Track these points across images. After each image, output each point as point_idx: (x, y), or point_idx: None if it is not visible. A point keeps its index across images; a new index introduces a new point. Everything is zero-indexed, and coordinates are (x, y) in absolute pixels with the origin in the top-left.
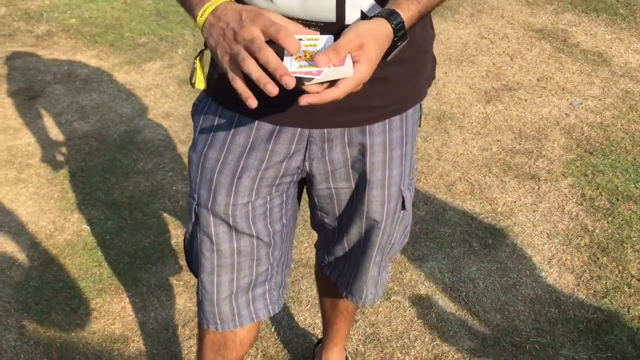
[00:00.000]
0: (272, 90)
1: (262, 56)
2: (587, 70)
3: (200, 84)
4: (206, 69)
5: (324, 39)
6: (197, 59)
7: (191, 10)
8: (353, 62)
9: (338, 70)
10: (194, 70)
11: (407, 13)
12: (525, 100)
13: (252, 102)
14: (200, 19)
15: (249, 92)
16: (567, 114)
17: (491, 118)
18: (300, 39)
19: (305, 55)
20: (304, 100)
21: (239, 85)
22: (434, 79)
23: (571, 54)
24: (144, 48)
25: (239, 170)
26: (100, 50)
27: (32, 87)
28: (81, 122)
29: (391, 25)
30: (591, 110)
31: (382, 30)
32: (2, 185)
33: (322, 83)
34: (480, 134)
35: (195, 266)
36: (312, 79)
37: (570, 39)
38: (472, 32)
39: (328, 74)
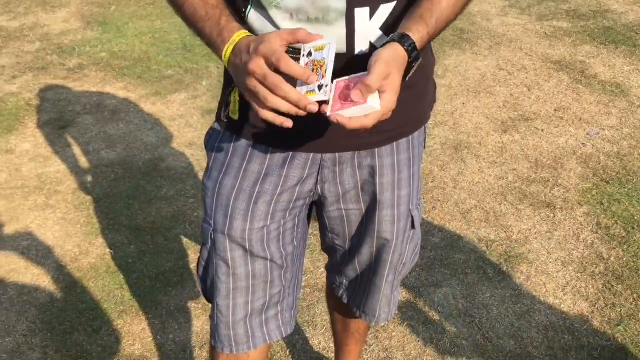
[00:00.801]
0: (289, 125)
1: (280, 93)
2: (605, 101)
3: (235, 115)
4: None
5: (328, 46)
6: (233, 93)
7: (216, 52)
8: (380, 93)
9: (364, 107)
10: (228, 103)
11: (417, 35)
12: (542, 130)
13: (288, 123)
14: (225, 59)
15: (280, 116)
16: (583, 143)
17: (508, 147)
18: (307, 51)
19: (314, 67)
20: (334, 116)
21: (269, 115)
22: (435, 102)
23: (589, 85)
24: (170, 80)
25: (254, 196)
26: (128, 82)
27: (63, 117)
28: (108, 151)
29: (404, 48)
30: (608, 140)
31: (400, 55)
32: (31, 211)
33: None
34: (496, 163)
35: (209, 292)
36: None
37: (588, 70)
38: (490, 64)
39: (355, 112)
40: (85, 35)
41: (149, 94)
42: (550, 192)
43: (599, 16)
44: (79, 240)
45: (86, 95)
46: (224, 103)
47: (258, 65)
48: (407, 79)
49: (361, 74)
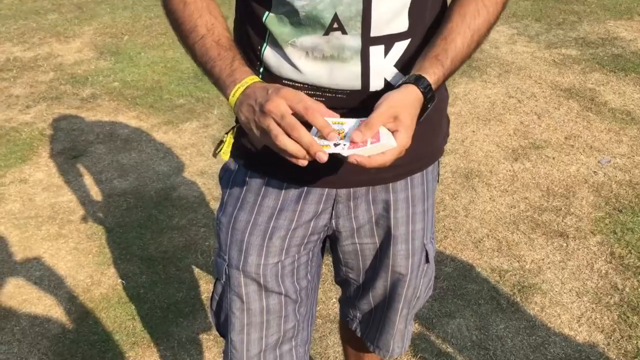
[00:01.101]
0: (304, 163)
1: (295, 134)
2: (616, 128)
3: (225, 155)
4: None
5: (351, 122)
6: (229, 133)
7: (223, 90)
8: (392, 132)
9: (377, 146)
10: (222, 142)
11: (433, 77)
12: (553, 158)
13: (303, 162)
14: (232, 99)
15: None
16: (595, 172)
17: (519, 176)
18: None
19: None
20: (353, 158)
21: (287, 142)
22: (448, 136)
23: (599, 113)
24: (182, 109)
25: (269, 231)
26: (140, 111)
27: (76, 146)
28: (120, 180)
29: (420, 89)
30: (620, 168)
31: (413, 96)
32: (44, 241)
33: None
34: (507, 191)
35: (223, 327)
36: (345, 155)
37: (598, 97)
38: (499, 92)
39: (370, 150)
40: (98, 65)
41: (161, 122)
42: (562, 221)
43: (607, 44)
44: (91, 271)
45: (99, 125)
46: (218, 140)
47: (277, 105)
48: (421, 119)
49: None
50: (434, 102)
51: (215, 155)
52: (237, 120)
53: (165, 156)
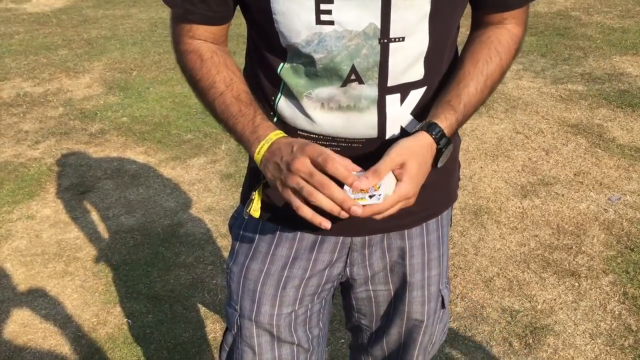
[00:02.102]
0: (327, 226)
1: (327, 191)
2: (625, 165)
3: (256, 213)
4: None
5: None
6: (257, 191)
7: (248, 148)
8: (397, 180)
9: (377, 196)
10: (251, 200)
11: (445, 122)
12: (563, 195)
13: (327, 224)
14: (258, 156)
15: (319, 216)
16: (605, 209)
17: (528, 213)
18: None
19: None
20: (352, 211)
21: (308, 212)
22: (459, 180)
23: (608, 149)
24: (189, 144)
25: (283, 280)
26: (148, 146)
27: (84, 182)
28: (127, 216)
29: (431, 136)
30: (630, 205)
31: (423, 143)
32: (50, 278)
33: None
34: (517, 229)
35: None
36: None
37: (606, 134)
38: (507, 127)
39: (369, 200)
40: (107, 100)
41: (169, 158)
42: (574, 260)
43: (613, 79)
44: (97, 309)
45: (107, 160)
46: (247, 199)
47: (303, 163)
48: (438, 164)
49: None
50: (449, 147)
51: (245, 215)
52: (262, 177)
53: (173, 192)
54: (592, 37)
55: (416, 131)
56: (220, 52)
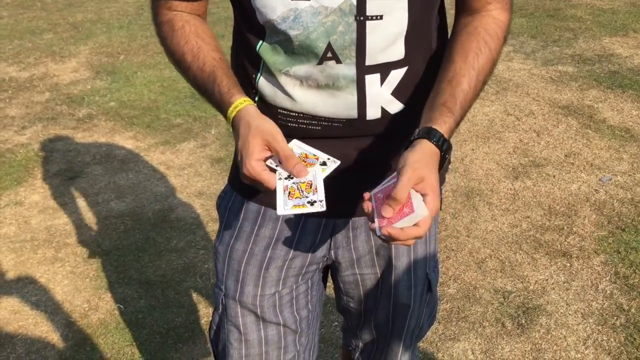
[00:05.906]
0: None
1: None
2: (615, 146)
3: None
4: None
5: (323, 157)
6: None
7: (219, 107)
8: (422, 196)
9: (412, 217)
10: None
11: (444, 126)
12: (554, 176)
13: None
14: (229, 120)
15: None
16: (596, 190)
17: (520, 194)
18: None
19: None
20: (385, 231)
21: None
22: (450, 163)
23: (598, 130)
24: (179, 129)
25: (265, 261)
26: (137, 131)
27: (72, 167)
28: (117, 202)
29: (433, 143)
30: (621, 186)
31: (429, 153)
32: (40, 265)
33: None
34: (509, 210)
35: (221, 356)
36: (379, 234)
37: (596, 115)
38: (497, 109)
39: (404, 222)
40: (95, 85)
41: (158, 143)
42: (565, 241)
43: (604, 60)
44: (88, 295)
45: (95, 145)
46: (234, 179)
47: (249, 171)
48: (442, 169)
49: (391, 180)
50: (451, 150)
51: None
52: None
53: (163, 177)
54: (582, 19)
55: (415, 139)
56: (194, 20)
